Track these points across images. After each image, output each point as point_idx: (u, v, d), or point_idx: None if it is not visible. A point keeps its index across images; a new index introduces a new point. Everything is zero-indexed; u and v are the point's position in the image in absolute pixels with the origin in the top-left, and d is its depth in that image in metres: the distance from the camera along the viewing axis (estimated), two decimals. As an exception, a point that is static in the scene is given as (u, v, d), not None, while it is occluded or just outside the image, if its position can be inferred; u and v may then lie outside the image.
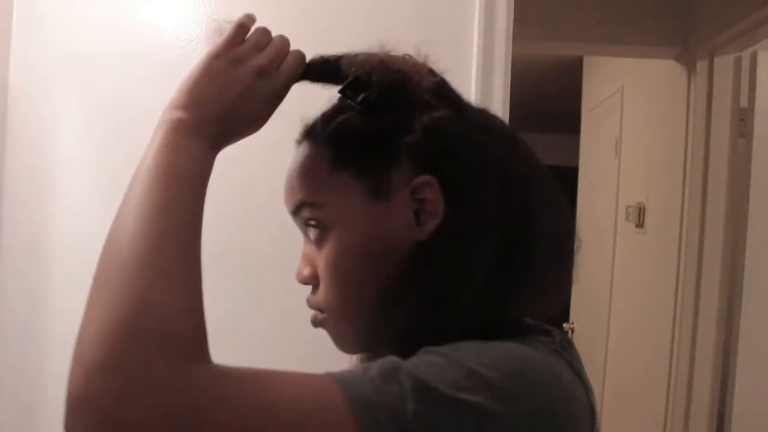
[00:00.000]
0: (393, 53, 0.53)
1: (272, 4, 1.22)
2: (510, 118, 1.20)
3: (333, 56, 0.54)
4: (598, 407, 0.49)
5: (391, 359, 0.42)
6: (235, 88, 0.50)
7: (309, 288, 0.57)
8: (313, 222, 0.53)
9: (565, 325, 3.31)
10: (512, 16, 1.20)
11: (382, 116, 0.51)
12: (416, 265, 0.50)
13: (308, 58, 0.55)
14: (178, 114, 0.48)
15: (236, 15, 0.54)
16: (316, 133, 0.55)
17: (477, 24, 1.19)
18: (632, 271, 2.62)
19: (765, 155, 1.89)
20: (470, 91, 1.19)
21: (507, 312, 0.51)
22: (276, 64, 0.52)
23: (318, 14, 1.21)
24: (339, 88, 0.52)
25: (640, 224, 2.51)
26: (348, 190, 0.51)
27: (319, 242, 0.54)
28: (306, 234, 0.56)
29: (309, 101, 0.56)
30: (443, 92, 0.54)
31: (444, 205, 0.50)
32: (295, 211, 0.55)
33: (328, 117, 0.54)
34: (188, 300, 0.41)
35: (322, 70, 0.54)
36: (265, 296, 1.22)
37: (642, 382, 2.45)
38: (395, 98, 0.51)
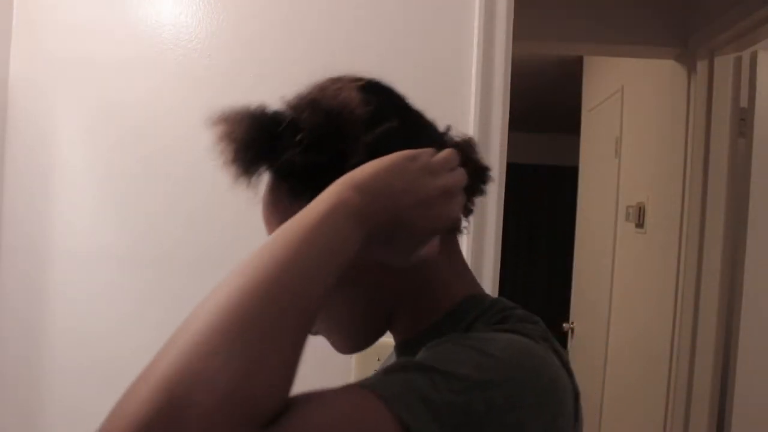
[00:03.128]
0: (328, 84, 0.56)
1: (269, 9, 1.22)
2: (510, 118, 1.20)
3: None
4: (582, 391, 0.53)
5: (410, 359, 0.45)
6: (417, 195, 0.49)
7: None
8: None
9: (565, 325, 3.32)
10: (512, 16, 1.20)
11: (320, 152, 0.53)
12: (358, 273, 0.54)
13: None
14: (351, 193, 0.46)
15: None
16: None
17: (477, 24, 1.19)
18: (632, 271, 2.62)
19: (765, 155, 1.89)
20: (470, 92, 1.19)
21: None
22: (461, 190, 0.53)
23: (315, 15, 1.21)
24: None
25: (640, 224, 2.51)
26: None
27: None
28: None
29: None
30: (385, 109, 0.56)
31: None
32: None
33: (267, 159, 0.55)
34: (278, 378, 0.38)
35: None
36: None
37: (642, 382, 2.45)
38: (328, 135, 0.52)
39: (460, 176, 0.53)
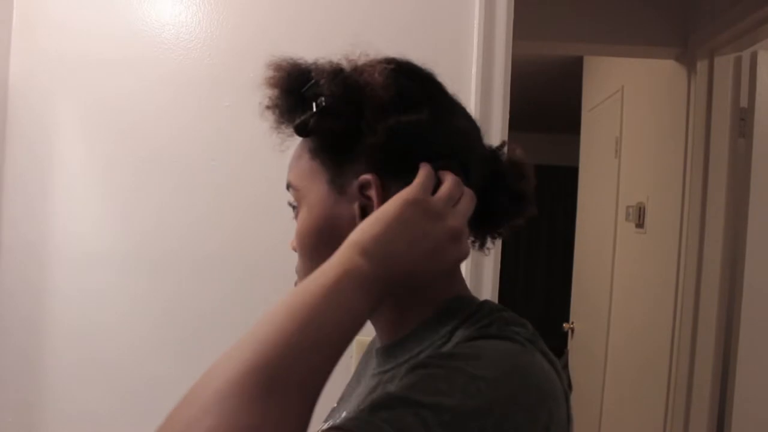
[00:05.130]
0: (364, 61, 0.55)
1: (269, 9, 1.22)
2: (510, 118, 1.20)
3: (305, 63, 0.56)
4: (570, 390, 0.53)
5: (391, 394, 0.43)
6: (426, 245, 0.48)
7: None
8: (291, 201, 0.60)
9: (565, 325, 3.31)
10: (512, 16, 1.20)
11: (334, 121, 0.53)
12: None
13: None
14: (360, 261, 0.45)
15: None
16: None
17: (477, 24, 1.19)
18: (632, 271, 2.62)
19: (765, 155, 1.89)
20: (470, 91, 1.19)
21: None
22: (467, 224, 0.51)
23: (315, 15, 1.22)
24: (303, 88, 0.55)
25: (640, 224, 2.51)
26: (317, 177, 0.56)
27: (295, 218, 0.60)
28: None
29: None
30: (415, 96, 0.55)
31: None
32: (287, 188, 0.61)
33: (297, 113, 0.56)
34: None
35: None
36: (260, 295, 1.22)
37: (642, 382, 2.45)
38: (344, 108, 0.52)
39: (465, 208, 0.51)
